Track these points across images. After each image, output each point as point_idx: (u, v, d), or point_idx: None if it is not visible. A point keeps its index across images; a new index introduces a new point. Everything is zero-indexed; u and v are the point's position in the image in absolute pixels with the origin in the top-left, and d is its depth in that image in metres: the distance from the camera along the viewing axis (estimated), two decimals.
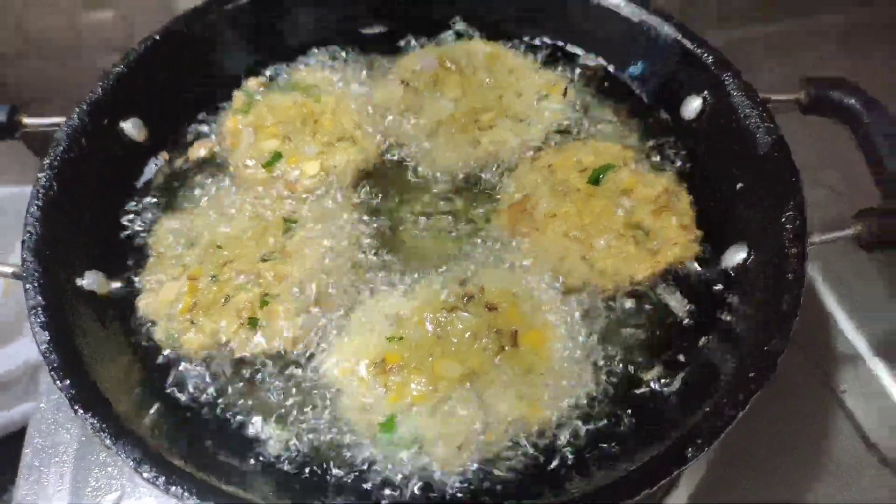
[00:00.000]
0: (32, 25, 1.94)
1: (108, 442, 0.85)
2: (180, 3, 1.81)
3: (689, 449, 0.84)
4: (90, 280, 1.05)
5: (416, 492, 0.92)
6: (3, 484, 1.90)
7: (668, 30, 1.25)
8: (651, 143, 1.25)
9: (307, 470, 0.94)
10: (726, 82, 1.17)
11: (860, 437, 1.23)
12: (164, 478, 0.82)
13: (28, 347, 1.82)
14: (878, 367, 1.29)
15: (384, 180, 1.22)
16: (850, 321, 1.34)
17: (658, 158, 1.23)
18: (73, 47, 2.01)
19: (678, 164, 1.22)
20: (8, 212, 1.72)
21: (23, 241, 1.01)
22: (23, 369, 1.81)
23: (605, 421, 0.98)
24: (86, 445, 1.20)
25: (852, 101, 1.14)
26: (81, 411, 0.87)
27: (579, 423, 0.97)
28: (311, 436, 0.97)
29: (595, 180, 1.16)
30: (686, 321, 1.06)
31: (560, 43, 1.39)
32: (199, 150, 1.25)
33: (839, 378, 1.29)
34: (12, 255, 1.85)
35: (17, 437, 1.79)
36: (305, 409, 0.99)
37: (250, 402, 1.00)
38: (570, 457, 0.95)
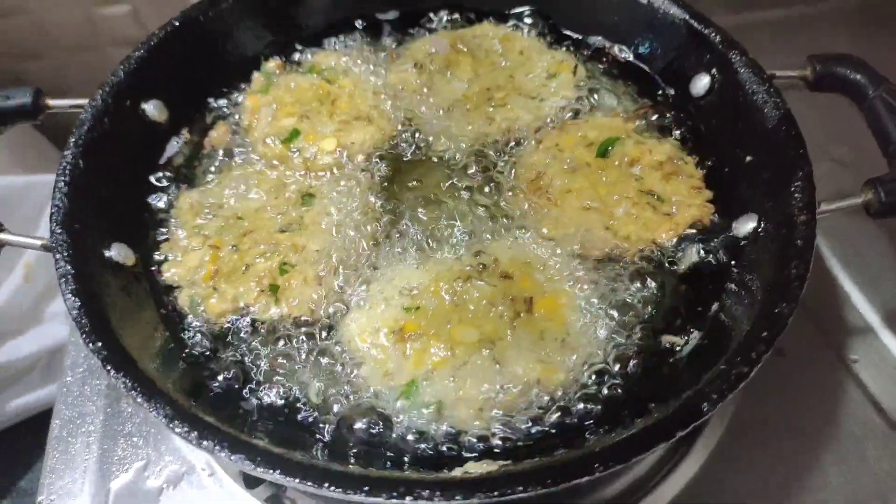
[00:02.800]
0: (49, 21, 1.99)
1: (140, 399, 0.87)
2: None
3: (705, 404, 0.86)
4: (116, 252, 1.08)
5: (439, 449, 0.95)
6: (30, 462, 1.95)
7: (676, 10, 1.28)
8: (657, 117, 1.28)
9: (331, 429, 0.97)
10: (734, 60, 1.19)
11: (872, 406, 1.25)
12: (196, 432, 0.84)
13: (46, 333, 1.87)
14: (889, 338, 1.31)
15: (400, 157, 1.25)
16: (861, 293, 1.35)
17: (666, 132, 1.26)
18: (89, 42, 2.06)
19: (687, 137, 1.25)
20: (29, 198, 1.77)
21: (51, 215, 1.04)
22: (40, 355, 1.86)
23: (621, 381, 1.01)
24: (111, 417, 1.22)
25: (858, 76, 1.16)
26: (113, 371, 0.89)
27: (594, 384, 1.00)
28: (333, 398, 1.00)
29: (603, 153, 1.20)
30: (698, 288, 1.09)
31: (568, 24, 1.42)
32: (216, 136, 1.28)
33: (850, 349, 1.31)
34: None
35: (39, 420, 1.85)
36: (327, 374, 1.02)
37: (273, 366, 1.03)
38: (586, 415, 0.98)
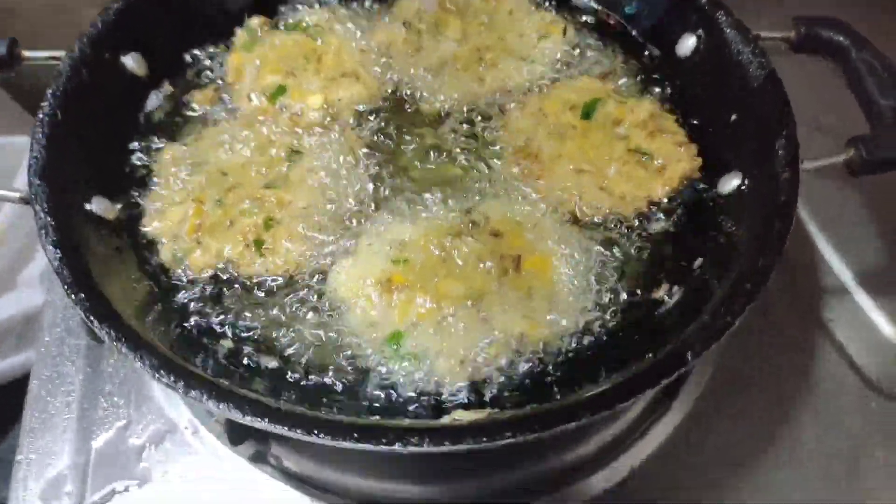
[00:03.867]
0: None
1: (125, 349, 0.86)
2: None
3: (689, 353, 0.88)
4: (97, 205, 1.06)
5: (425, 400, 0.96)
6: (5, 430, 1.92)
7: None
8: (643, 77, 1.29)
9: (312, 378, 0.98)
10: (720, 20, 1.20)
11: (847, 364, 1.28)
12: (182, 381, 0.84)
13: (20, 299, 1.82)
14: (864, 299, 1.34)
15: (389, 115, 1.24)
16: (837, 255, 1.38)
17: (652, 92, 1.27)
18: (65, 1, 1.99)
19: (673, 97, 1.26)
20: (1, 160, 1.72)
21: (29, 166, 1.01)
22: (14, 321, 1.82)
23: (606, 337, 1.02)
24: (91, 377, 1.21)
25: (841, 38, 1.17)
26: (97, 322, 0.88)
27: (579, 339, 1.02)
28: (317, 348, 1.00)
29: (587, 115, 1.20)
30: (682, 245, 1.11)
31: None
32: (201, 97, 1.26)
33: (826, 309, 1.34)
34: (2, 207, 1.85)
35: (14, 388, 1.82)
36: (312, 325, 1.02)
37: (257, 319, 1.03)
38: (570, 369, 0.99)
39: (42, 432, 1.17)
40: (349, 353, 1.00)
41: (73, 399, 1.18)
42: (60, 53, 1.14)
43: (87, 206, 1.05)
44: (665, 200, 1.14)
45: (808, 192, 1.41)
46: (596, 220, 1.13)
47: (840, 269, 1.37)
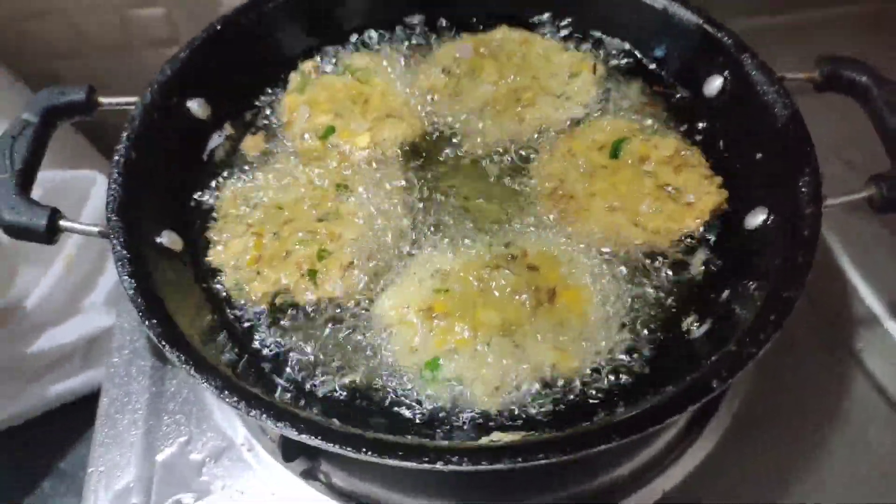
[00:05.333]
0: (84, 22, 2.07)
1: (193, 372, 0.95)
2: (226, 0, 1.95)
3: (715, 381, 0.93)
4: (166, 238, 1.16)
5: (458, 423, 1.03)
6: (70, 445, 2.04)
7: (690, 16, 1.34)
8: (673, 116, 1.36)
9: (359, 401, 1.06)
10: (745, 62, 1.26)
11: (877, 391, 1.30)
12: (244, 402, 0.92)
13: (85, 323, 1.95)
14: (894, 327, 1.37)
15: (432, 155, 1.32)
16: (866, 285, 1.41)
17: (681, 130, 1.33)
18: (123, 43, 2.14)
19: (701, 137, 1.32)
20: (72, 192, 1.86)
21: (107, 204, 1.11)
22: (79, 343, 1.94)
23: (635, 368, 1.07)
24: (156, 396, 1.30)
25: (864, 77, 1.22)
26: (168, 347, 0.97)
27: (609, 370, 1.07)
28: (364, 373, 1.08)
29: (615, 154, 1.26)
30: (711, 278, 1.16)
31: (587, 29, 1.48)
32: (251, 144, 1.35)
33: (856, 338, 1.37)
34: (71, 237, 1.99)
35: (78, 406, 1.94)
36: (359, 351, 1.10)
37: (310, 344, 1.11)
38: (600, 397, 1.05)
39: (111, 446, 1.26)
40: (392, 378, 1.07)
41: (140, 416, 1.28)
42: (134, 99, 1.25)
43: (158, 240, 1.15)
44: (696, 234, 1.19)
45: (837, 224, 1.47)
46: (629, 255, 1.18)
47: (870, 298, 1.40)
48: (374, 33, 1.48)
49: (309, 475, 1.21)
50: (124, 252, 1.07)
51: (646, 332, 1.11)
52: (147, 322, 1.00)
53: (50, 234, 1.10)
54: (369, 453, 0.88)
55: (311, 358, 1.10)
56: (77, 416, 1.90)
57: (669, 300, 1.14)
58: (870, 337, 1.36)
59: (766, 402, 1.29)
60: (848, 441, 1.27)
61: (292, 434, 0.90)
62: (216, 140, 1.35)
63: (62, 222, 1.12)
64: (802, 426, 1.29)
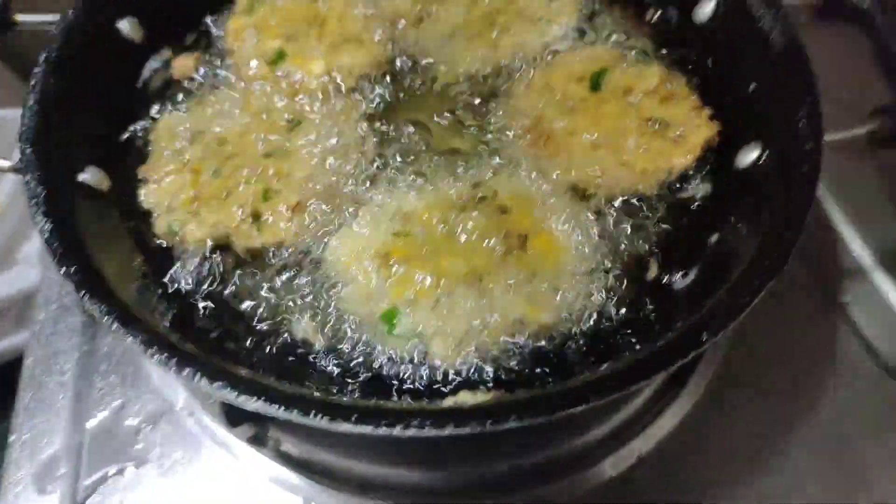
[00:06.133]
0: None
1: (115, 325, 0.83)
2: None
3: (705, 333, 0.83)
4: (90, 175, 1.03)
5: (412, 378, 0.93)
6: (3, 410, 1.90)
7: None
8: (663, 45, 1.24)
9: (314, 358, 0.95)
10: None
11: (863, 347, 1.24)
12: (175, 359, 0.80)
13: (18, 276, 1.80)
14: (881, 279, 1.30)
15: (394, 83, 1.20)
16: (854, 234, 1.34)
17: (668, 60, 1.22)
18: None
19: (688, 63, 1.21)
20: None
21: (20, 134, 0.98)
22: (13, 299, 1.80)
23: (616, 319, 0.98)
24: (87, 356, 1.18)
25: (866, 2, 1.12)
26: (88, 297, 0.85)
27: (585, 323, 0.97)
28: (313, 324, 0.97)
29: (596, 86, 1.15)
30: (698, 220, 1.07)
31: None
32: (179, 66, 1.22)
33: (843, 290, 1.30)
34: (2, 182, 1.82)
35: (13, 368, 1.80)
36: (307, 298, 0.99)
37: (251, 292, 1.01)
38: (580, 350, 0.95)
39: (36, 411, 1.15)
40: (345, 329, 0.96)
41: (68, 378, 1.16)
42: (54, 17, 1.11)
43: (81, 177, 1.02)
44: (685, 172, 1.09)
45: (825, 170, 1.38)
46: (612, 196, 1.08)
47: (858, 248, 1.33)
48: None
49: (256, 441, 1.11)
50: (39, 188, 0.94)
51: (626, 282, 1.02)
52: (64, 269, 0.87)
53: None
54: (319, 417, 0.77)
55: (254, 309, 0.99)
56: (13, 379, 1.76)
57: (653, 246, 1.05)
58: (856, 289, 1.30)
59: (748, 358, 1.23)
60: (834, 398, 1.21)
61: (230, 397, 0.78)
62: (152, 67, 1.21)
63: None
64: (786, 384, 1.23)
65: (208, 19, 1.26)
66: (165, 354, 0.81)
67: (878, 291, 1.31)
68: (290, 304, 0.99)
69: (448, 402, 0.85)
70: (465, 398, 0.85)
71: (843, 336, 1.27)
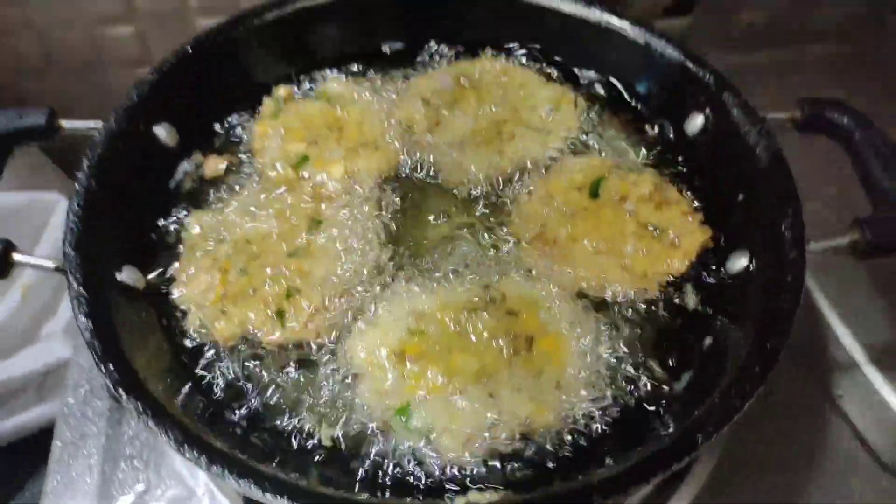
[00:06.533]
0: (53, 39, 2.00)
1: (151, 423, 0.89)
2: (198, 22, 1.90)
3: (699, 436, 0.89)
4: (127, 275, 1.10)
5: (422, 474, 0.97)
6: (23, 481, 1.93)
7: (672, 52, 1.33)
8: (658, 156, 1.33)
9: (324, 451, 1.00)
10: (727, 101, 1.24)
11: (857, 441, 1.28)
12: (205, 457, 0.86)
13: (42, 353, 1.86)
14: (874, 374, 1.35)
15: (409, 186, 1.28)
16: (846, 329, 1.40)
17: (662, 169, 1.30)
18: (93, 62, 2.08)
19: (682, 173, 1.30)
20: (30, 216, 1.78)
21: (64, 237, 1.05)
22: (36, 374, 1.85)
23: (612, 420, 1.02)
24: (112, 439, 1.23)
25: (844, 119, 1.21)
26: (125, 394, 0.91)
27: (586, 423, 1.02)
28: (329, 419, 1.02)
29: (595, 194, 1.23)
30: (692, 326, 1.12)
31: (566, 62, 1.47)
32: (209, 168, 1.30)
33: (836, 385, 1.35)
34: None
35: (33, 440, 1.84)
36: (326, 394, 1.04)
37: (276, 388, 1.05)
38: (583, 450, 1.00)
39: (63, 494, 1.19)
40: (361, 426, 1.01)
41: (95, 462, 1.21)
42: (97, 124, 1.19)
43: (118, 276, 1.09)
44: (682, 277, 1.15)
45: (816, 266, 1.44)
46: (614, 300, 1.13)
47: (850, 344, 1.38)
48: (351, 61, 1.44)
49: None
50: (81, 290, 1.01)
51: (626, 383, 1.06)
52: (102, 367, 0.94)
53: (0, 269, 1.04)
54: None
55: (276, 406, 1.04)
56: (31, 451, 1.80)
57: (651, 349, 1.10)
58: (849, 384, 1.35)
59: (743, 451, 1.27)
60: (828, 491, 1.25)
61: (256, 494, 0.84)
62: (184, 169, 1.29)
63: (15, 255, 1.07)
64: (781, 477, 1.26)
65: (237, 124, 1.36)
66: (195, 452, 0.87)
67: (871, 385, 1.36)
68: (311, 399, 1.04)
69: (459, 501, 0.90)
70: (475, 498, 0.90)
71: (837, 429, 1.31)
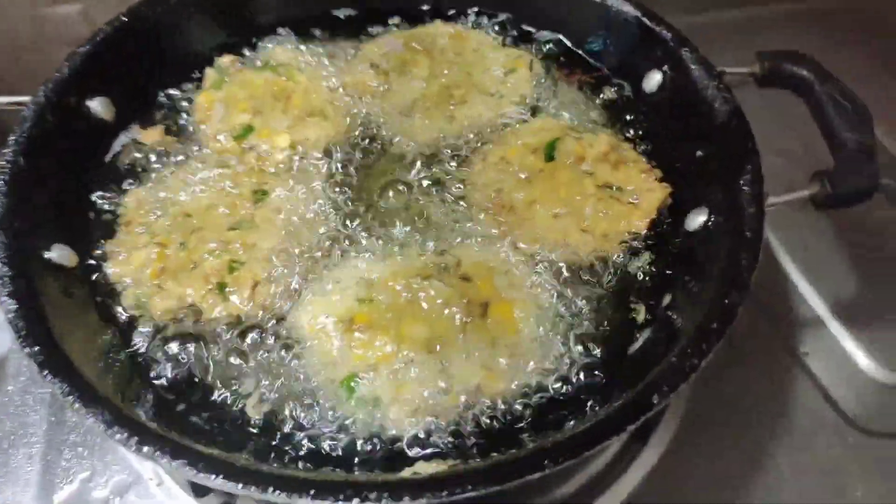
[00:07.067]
0: None
1: (77, 405, 0.84)
2: None
3: (655, 396, 0.86)
4: (57, 253, 1.04)
5: (379, 448, 0.94)
6: None
7: (628, 8, 1.29)
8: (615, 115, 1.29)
9: (275, 427, 0.96)
10: (685, 57, 1.21)
11: (823, 398, 1.27)
12: (136, 438, 0.82)
13: None
14: (839, 330, 1.33)
15: (359, 155, 1.23)
16: (810, 285, 1.38)
17: (624, 130, 1.27)
18: (36, 41, 2.00)
19: (639, 133, 1.26)
20: None
21: None
22: None
23: (568, 385, 1.00)
24: (55, 427, 1.18)
25: (804, 72, 1.18)
26: (50, 376, 0.86)
27: (540, 389, 0.99)
28: (278, 394, 0.98)
29: (550, 157, 1.19)
30: (650, 283, 1.10)
31: (520, 22, 1.42)
32: (149, 137, 1.24)
33: (801, 342, 1.33)
34: None
35: None
36: (270, 366, 1.00)
37: (218, 363, 1.01)
38: (537, 416, 0.97)
39: (3, 486, 1.14)
40: (307, 398, 0.97)
41: (37, 451, 1.16)
42: (25, 98, 1.13)
43: (47, 255, 1.03)
44: (641, 235, 1.12)
45: (778, 221, 1.43)
46: (571, 263, 1.10)
47: (814, 299, 1.37)
48: (298, 26, 1.39)
49: None
50: (6, 269, 0.96)
51: (581, 346, 1.03)
52: (27, 348, 0.89)
53: None
54: (278, 492, 0.78)
55: (216, 381, 1.00)
56: None
57: (608, 310, 1.08)
58: (814, 340, 1.33)
59: (709, 408, 1.25)
60: (794, 448, 1.24)
61: (189, 474, 0.80)
62: (121, 142, 1.23)
63: None
64: (747, 433, 1.25)
65: (180, 96, 1.29)
66: (126, 433, 0.82)
67: (836, 341, 1.34)
68: (253, 373, 1.00)
69: (405, 472, 0.87)
70: (423, 468, 0.87)
71: (803, 386, 1.30)
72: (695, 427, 1.22)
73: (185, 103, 1.29)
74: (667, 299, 1.07)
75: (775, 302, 1.37)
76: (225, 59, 1.32)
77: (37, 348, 0.89)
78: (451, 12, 1.44)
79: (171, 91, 1.30)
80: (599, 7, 1.31)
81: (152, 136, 1.23)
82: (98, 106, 1.20)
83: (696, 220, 1.11)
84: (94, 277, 1.07)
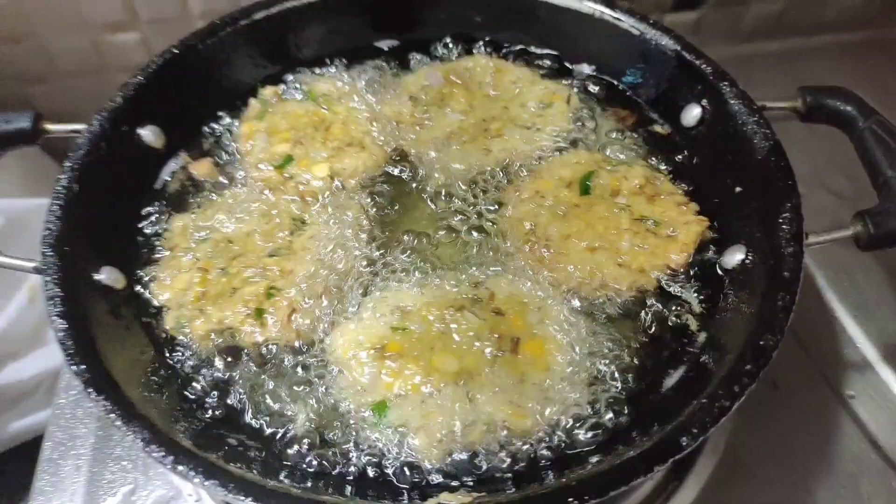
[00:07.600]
0: (56, 47, 2.03)
1: (118, 423, 0.88)
2: (199, 25, 1.91)
3: (684, 438, 0.85)
4: (106, 275, 1.09)
5: (394, 472, 0.95)
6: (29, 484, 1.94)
7: (667, 42, 1.29)
8: (652, 148, 1.29)
9: (308, 452, 0.97)
10: (724, 91, 1.20)
11: (868, 442, 1.22)
12: (172, 457, 0.85)
13: (49, 356, 1.87)
14: (887, 374, 1.29)
15: (395, 186, 1.26)
16: (857, 326, 1.34)
17: (661, 164, 1.26)
18: (96, 68, 2.09)
19: (678, 167, 1.25)
20: (34, 221, 1.79)
21: (42, 237, 1.05)
22: (43, 377, 1.86)
23: (596, 423, 0.98)
24: (102, 440, 1.23)
25: (848, 107, 1.16)
26: (94, 394, 0.90)
27: (569, 427, 0.98)
28: (311, 417, 1.00)
29: (585, 190, 1.19)
30: (686, 321, 1.08)
31: (559, 55, 1.44)
32: (200, 169, 1.28)
33: (847, 384, 1.29)
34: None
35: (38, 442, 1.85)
36: (304, 391, 1.02)
37: (254, 387, 1.04)
38: (564, 452, 0.96)
39: (51, 495, 1.19)
40: (337, 422, 0.99)
41: (84, 462, 1.21)
42: (81, 126, 1.19)
43: (97, 277, 1.08)
44: (680, 271, 1.11)
45: (825, 260, 1.39)
46: (607, 300, 1.09)
47: (861, 341, 1.33)
48: (338, 59, 1.43)
49: None
50: (57, 290, 1.00)
51: (611, 383, 1.02)
52: (74, 367, 0.93)
53: None
54: None
55: (253, 404, 1.02)
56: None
57: (640, 348, 1.06)
58: (861, 383, 1.29)
59: (750, 448, 1.22)
60: (837, 493, 1.20)
61: (220, 494, 0.83)
62: (170, 170, 1.29)
63: None
64: (789, 476, 1.22)
65: (224, 125, 1.35)
66: (162, 452, 0.86)
67: (884, 384, 1.30)
68: (288, 397, 1.02)
69: (430, 502, 0.87)
70: (447, 499, 0.87)
71: (848, 429, 1.26)
72: (734, 467, 1.20)
73: (229, 132, 1.33)
74: (701, 338, 1.06)
75: (821, 343, 1.33)
76: (268, 90, 1.37)
77: (83, 367, 0.93)
78: (489, 50, 1.46)
79: (217, 120, 1.35)
80: (638, 40, 1.32)
81: (202, 168, 1.27)
82: (149, 134, 1.26)
83: (734, 257, 1.09)
84: (139, 299, 1.11)
